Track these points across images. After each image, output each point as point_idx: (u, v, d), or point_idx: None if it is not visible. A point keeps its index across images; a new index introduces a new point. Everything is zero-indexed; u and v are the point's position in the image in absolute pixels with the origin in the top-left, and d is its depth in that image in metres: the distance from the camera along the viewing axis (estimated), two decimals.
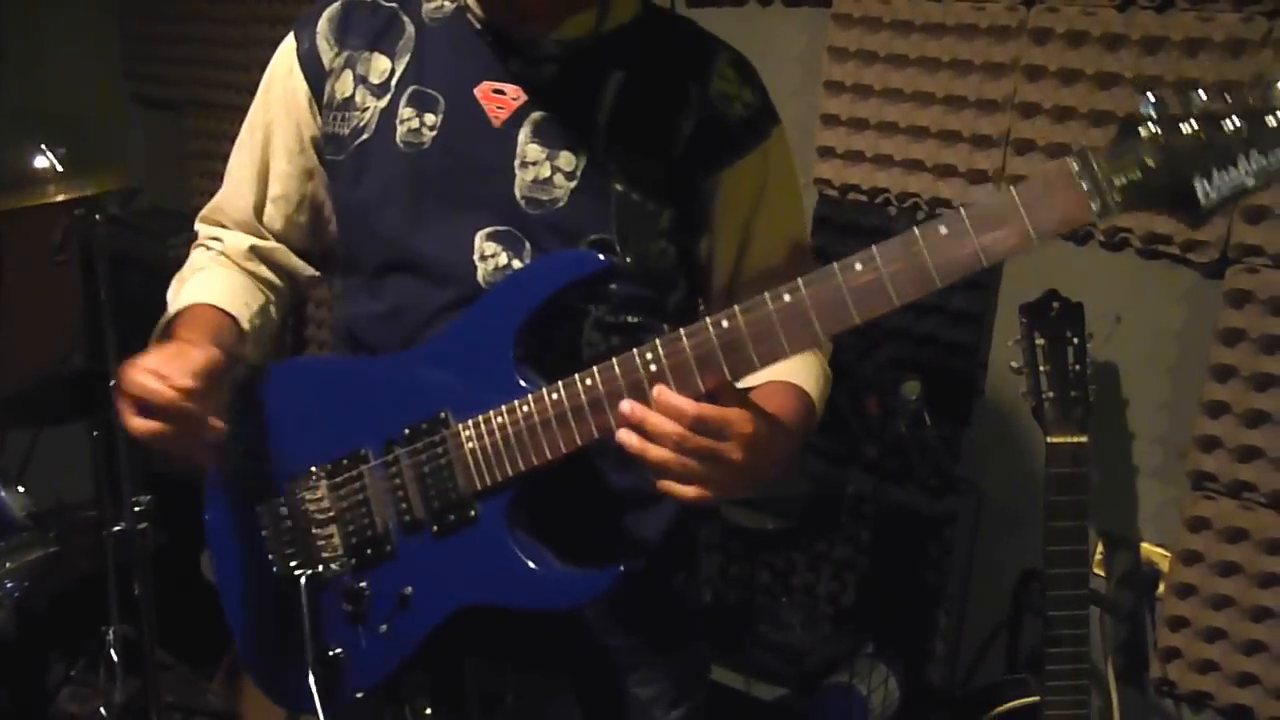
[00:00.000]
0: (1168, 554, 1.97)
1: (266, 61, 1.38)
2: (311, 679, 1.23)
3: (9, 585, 1.96)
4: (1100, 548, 2.01)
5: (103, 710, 2.31)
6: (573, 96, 1.23)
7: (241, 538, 1.33)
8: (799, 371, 1.25)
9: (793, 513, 2.24)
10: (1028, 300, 1.72)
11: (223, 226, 1.41)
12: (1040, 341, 1.70)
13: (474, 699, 1.27)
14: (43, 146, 2.02)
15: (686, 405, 1.03)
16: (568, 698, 1.35)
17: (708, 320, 1.05)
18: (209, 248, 1.41)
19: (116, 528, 2.19)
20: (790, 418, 1.18)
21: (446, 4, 1.28)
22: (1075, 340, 1.70)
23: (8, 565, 1.90)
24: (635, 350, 1.08)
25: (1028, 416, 1.73)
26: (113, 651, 2.31)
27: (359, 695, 1.26)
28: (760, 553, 2.42)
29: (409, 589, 1.22)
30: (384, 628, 1.23)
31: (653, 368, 1.07)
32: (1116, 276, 1.96)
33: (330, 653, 1.26)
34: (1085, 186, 0.94)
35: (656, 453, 1.04)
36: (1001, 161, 2.03)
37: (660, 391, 1.05)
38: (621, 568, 1.14)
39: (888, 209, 2.20)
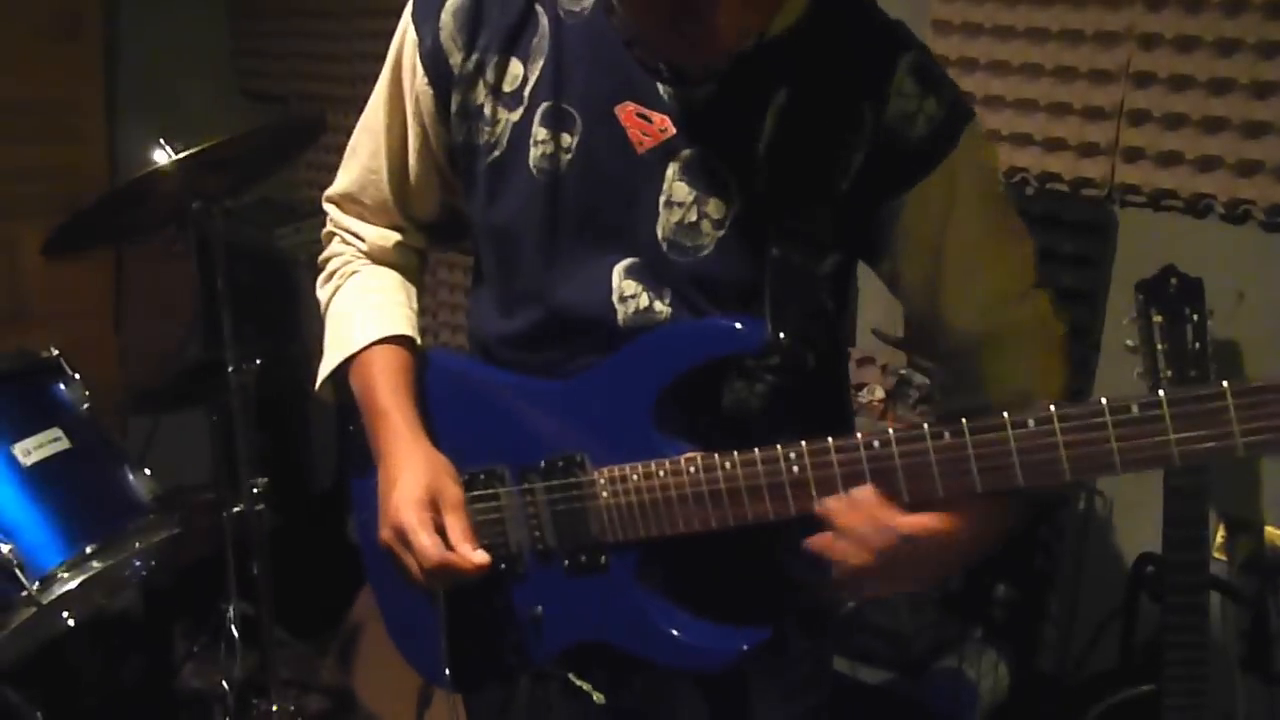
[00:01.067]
0: None
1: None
2: (446, 668, 1.24)
3: (137, 564, 2.04)
4: (1222, 531, 1.94)
5: (224, 684, 2.39)
6: (728, 128, 1.10)
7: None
8: (1006, 377, 1.18)
9: None
10: (1143, 277, 1.67)
11: (355, 211, 1.34)
12: (1158, 319, 1.65)
13: (602, 680, 1.25)
14: (161, 141, 2.09)
15: (901, 523, 1.00)
16: (693, 690, 1.30)
17: (860, 439, 1.02)
18: (349, 242, 1.35)
19: (235, 509, 2.27)
20: (988, 535, 1.10)
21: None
22: (1195, 317, 1.64)
23: (137, 546, 1.97)
24: (780, 448, 1.06)
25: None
26: (233, 628, 2.38)
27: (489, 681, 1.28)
28: None
29: (539, 609, 1.22)
30: (516, 637, 1.24)
31: (795, 470, 1.04)
32: (1239, 250, 1.89)
33: (467, 641, 1.26)
34: None
35: (845, 554, 1.03)
36: (1115, 134, 1.97)
37: (870, 501, 1.01)
38: (745, 647, 1.13)
39: None
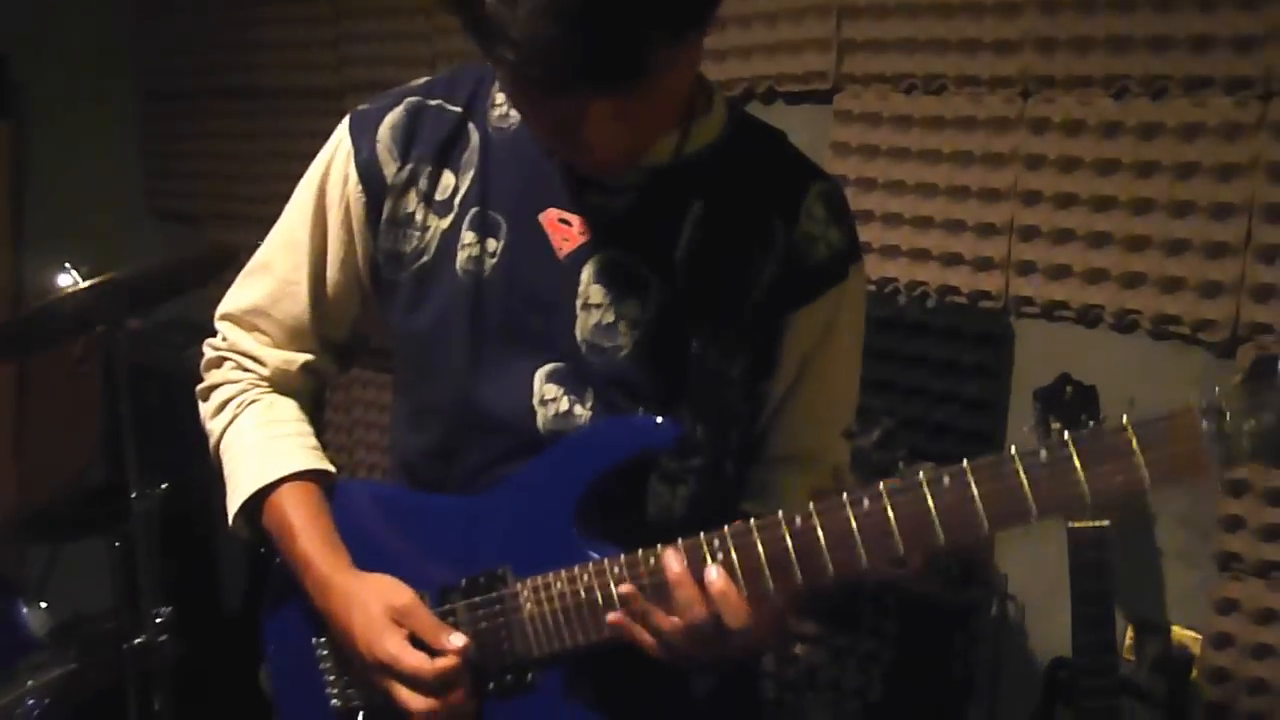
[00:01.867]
0: (1199, 637, 1.93)
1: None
2: None
3: (30, 704, 1.95)
4: (1130, 633, 1.98)
5: None
6: (645, 234, 1.15)
7: (299, 665, 1.29)
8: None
9: (812, 608, 2.21)
10: (1041, 385, 1.73)
11: (260, 332, 1.31)
12: (1056, 426, 1.70)
13: None
14: (66, 265, 2.07)
15: (735, 597, 1.01)
16: None
17: (781, 516, 1.01)
18: (246, 368, 1.31)
19: (137, 640, 2.18)
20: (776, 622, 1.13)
21: (513, 114, 1.18)
22: (1091, 424, 1.69)
23: (29, 684, 1.89)
24: (703, 536, 1.04)
25: None
26: None
27: None
28: (785, 648, 2.39)
29: None
30: None
31: (719, 557, 1.03)
32: (1128, 358, 1.96)
33: None
34: (1207, 430, 0.85)
35: (650, 642, 1.05)
36: (1007, 249, 2.06)
37: (716, 584, 1.02)
38: None
39: (897, 298, 2.22)
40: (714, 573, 1.01)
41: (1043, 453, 0.90)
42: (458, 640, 1.11)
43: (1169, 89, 1.86)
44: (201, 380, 1.35)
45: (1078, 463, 0.89)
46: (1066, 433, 0.90)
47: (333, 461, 1.31)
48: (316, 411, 1.36)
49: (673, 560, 1.04)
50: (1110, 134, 1.92)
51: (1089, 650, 1.68)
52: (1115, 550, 1.68)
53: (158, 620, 2.16)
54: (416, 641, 1.13)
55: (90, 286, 2.03)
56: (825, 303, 1.18)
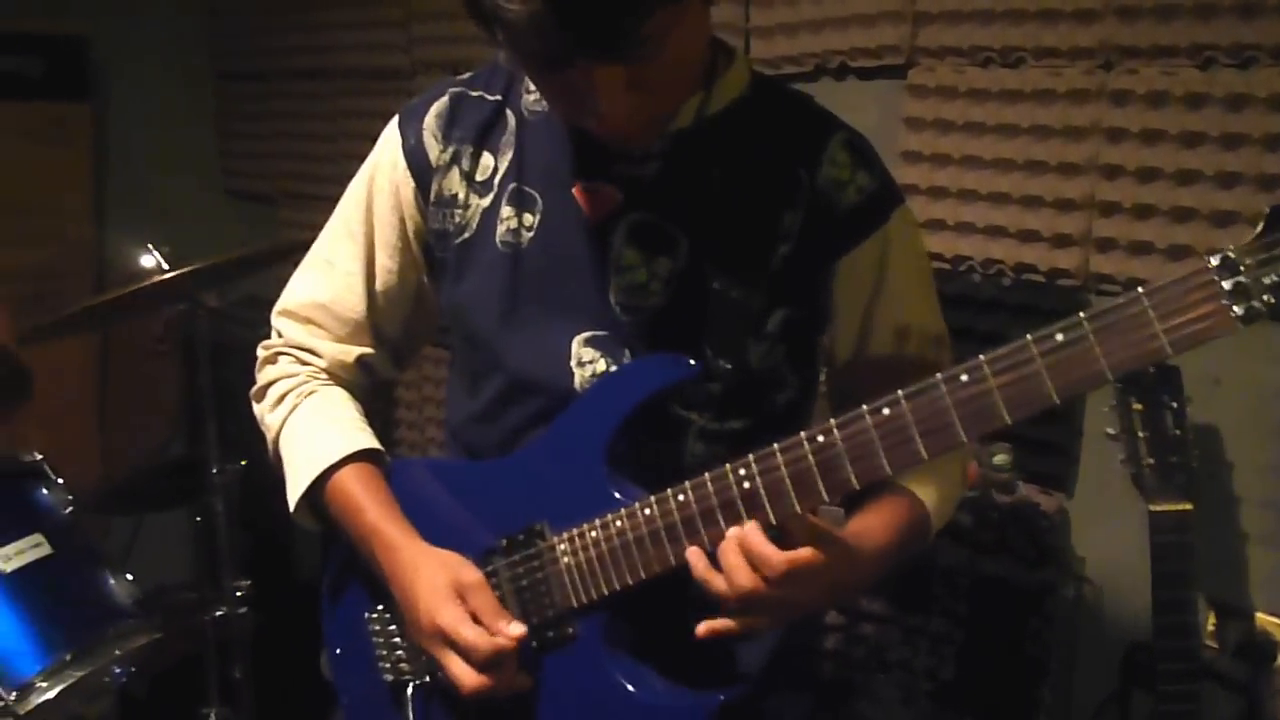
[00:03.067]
0: None
1: (353, 153, 1.37)
2: None
3: (117, 671, 2.01)
4: (1212, 618, 1.94)
5: None
6: (673, 195, 1.18)
7: (354, 642, 1.33)
8: (926, 477, 1.20)
9: (884, 587, 2.20)
10: None
11: (317, 326, 1.35)
12: (1137, 407, 1.66)
13: None
14: (149, 246, 2.12)
15: (775, 559, 1.00)
16: None
17: (804, 435, 1.01)
18: (304, 361, 1.35)
19: (217, 612, 2.24)
20: (882, 544, 1.13)
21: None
22: (1174, 404, 1.66)
23: (116, 652, 1.95)
24: (729, 466, 1.05)
25: (1129, 484, 1.69)
26: None
27: None
28: (855, 627, 2.38)
29: (514, 702, 1.19)
30: None
31: (746, 485, 1.03)
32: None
33: None
34: (1227, 287, 0.83)
35: (723, 589, 1.03)
36: (1086, 225, 2.01)
37: (749, 539, 1.01)
38: (721, 697, 1.10)
39: (972, 276, 2.19)
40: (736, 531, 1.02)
41: (1059, 335, 0.89)
42: (516, 629, 1.13)
43: (1258, 58, 1.79)
44: (255, 381, 1.38)
45: (1094, 340, 0.87)
46: (1081, 312, 0.89)
47: (404, 439, 1.34)
48: (381, 407, 1.40)
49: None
50: (1195, 106, 1.87)
51: (1169, 634, 1.65)
52: (1197, 533, 1.65)
53: (237, 593, 2.22)
54: (476, 620, 1.14)
55: (169, 264, 2.08)
56: (869, 250, 1.19)
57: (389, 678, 1.29)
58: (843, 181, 1.18)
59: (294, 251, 2.55)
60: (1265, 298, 0.82)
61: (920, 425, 0.95)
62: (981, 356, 0.93)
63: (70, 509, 2.06)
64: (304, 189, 3.51)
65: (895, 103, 2.24)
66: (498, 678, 1.13)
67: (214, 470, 2.21)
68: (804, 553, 1.00)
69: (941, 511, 1.25)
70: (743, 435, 1.19)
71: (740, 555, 1.02)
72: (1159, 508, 1.65)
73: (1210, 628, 1.93)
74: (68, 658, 1.88)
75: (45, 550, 1.96)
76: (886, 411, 0.97)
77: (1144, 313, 0.86)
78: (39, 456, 2.09)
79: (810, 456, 1.00)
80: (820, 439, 1.00)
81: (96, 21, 3.40)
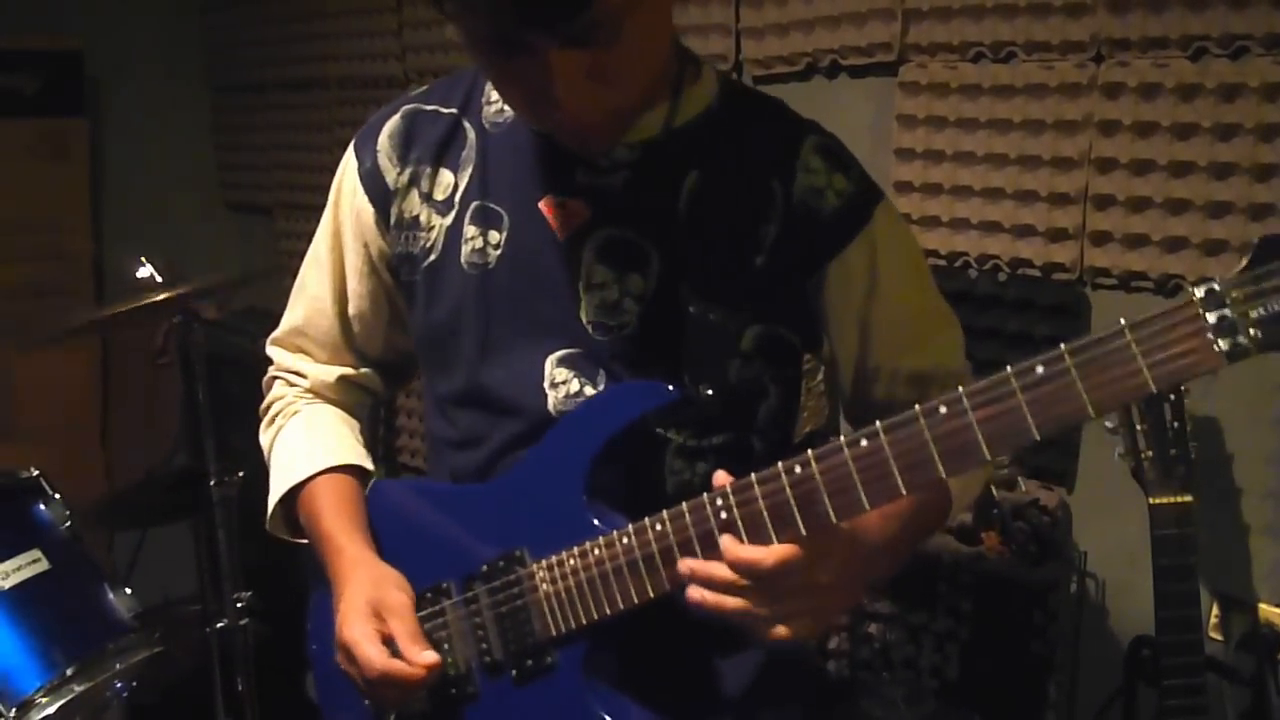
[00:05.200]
0: None
1: None
2: None
3: (118, 685, 2.01)
4: (1216, 610, 1.93)
5: None
6: (642, 209, 1.14)
7: (339, 668, 1.30)
8: None
9: (887, 586, 2.19)
10: None
11: (303, 352, 1.36)
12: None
13: None
14: (142, 259, 2.12)
15: (761, 557, 0.97)
16: None
17: (781, 467, 0.98)
18: (292, 383, 1.37)
19: (220, 624, 2.24)
20: (894, 530, 1.11)
21: (506, 109, 1.19)
22: (1172, 396, 1.65)
23: (117, 666, 1.95)
24: (706, 497, 1.02)
25: (1129, 478, 1.68)
26: None
27: None
28: (859, 627, 2.37)
29: None
30: None
31: (723, 515, 1.01)
32: None
33: None
34: (1212, 320, 0.80)
35: (733, 604, 1.00)
36: (1081, 219, 2.01)
37: (728, 546, 0.99)
38: None
39: (968, 271, 2.18)
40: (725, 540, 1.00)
41: (1039, 368, 0.86)
42: (427, 657, 1.11)
43: (1249, 48, 1.79)
44: (254, 391, 1.41)
45: (1076, 375, 0.85)
46: (1063, 344, 0.86)
47: (406, 466, 1.33)
48: (374, 426, 1.40)
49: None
50: (1188, 97, 1.86)
51: (1173, 628, 1.64)
52: (1198, 526, 1.64)
53: (239, 604, 2.22)
54: (390, 642, 1.13)
55: (165, 277, 2.08)
56: (856, 251, 1.15)
57: (370, 703, 1.26)
58: (819, 188, 1.14)
59: (289, 268, 2.58)
60: (1252, 332, 0.80)
61: (899, 460, 0.93)
62: (961, 389, 0.90)
63: (68, 524, 2.06)
64: (301, 199, 3.52)
65: (887, 100, 2.23)
66: (393, 696, 1.14)
67: (213, 482, 2.21)
68: (788, 548, 0.98)
69: (966, 497, 1.22)
70: (724, 449, 1.17)
71: (728, 570, 1.00)
72: (1159, 501, 1.64)
73: (1214, 620, 1.92)
74: (68, 673, 1.87)
75: (43, 566, 1.96)
76: (865, 444, 0.94)
77: (1127, 347, 0.83)
78: (36, 472, 2.09)
79: (788, 489, 0.98)
80: (798, 471, 0.97)
81: (92, 36, 3.41)
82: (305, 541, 1.31)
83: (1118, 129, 1.94)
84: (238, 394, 2.75)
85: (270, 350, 1.40)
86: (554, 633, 1.13)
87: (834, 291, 1.16)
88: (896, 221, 1.22)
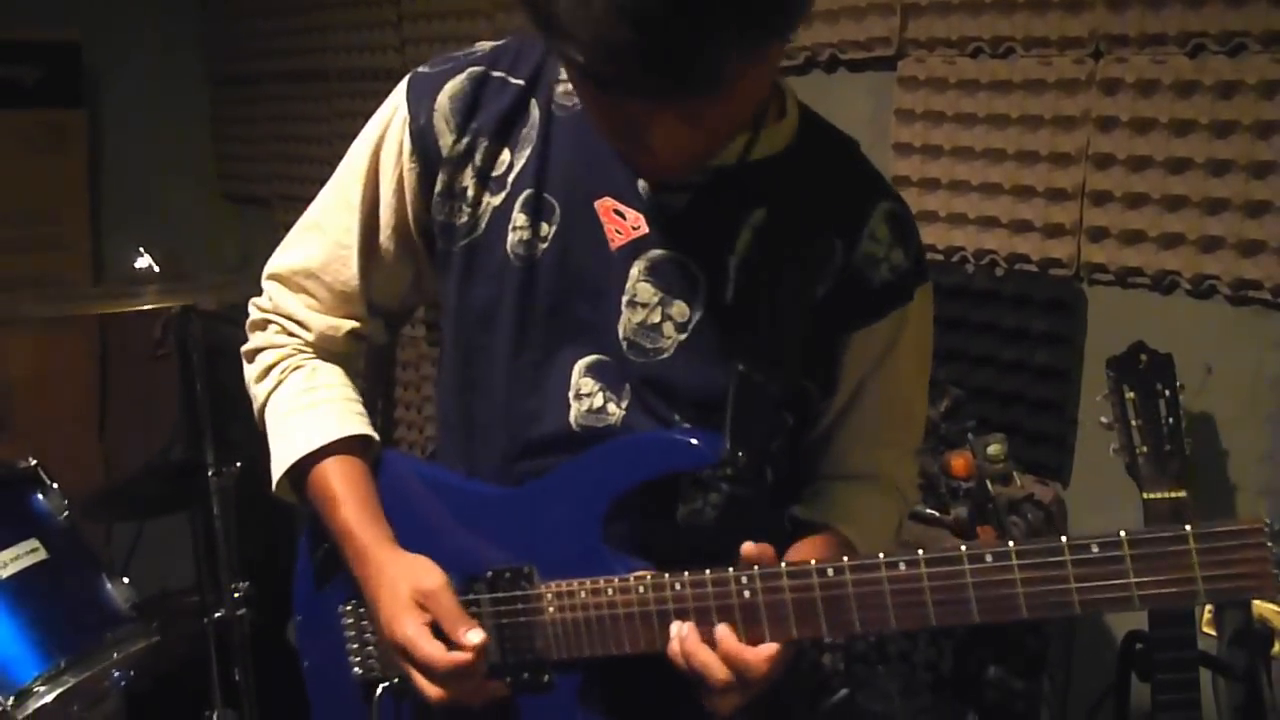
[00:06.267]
0: None
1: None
2: None
3: (115, 675, 2.02)
4: (1209, 607, 1.93)
5: None
6: (700, 236, 1.10)
7: (326, 626, 1.31)
8: (856, 515, 1.21)
9: None
10: (1115, 353, 1.69)
11: (307, 294, 1.27)
12: (1130, 395, 1.66)
13: None
14: (140, 250, 2.12)
15: (753, 660, 1.01)
16: None
17: (813, 565, 0.99)
18: (291, 332, 1.28)
19: (217, 614, 2.25)
20: None
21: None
22: (1167, 393, 1.65)
23: (115, 656, 1.95)
24: (732, 572, 1.03)
25: (1125, 473, 1.69)
26: None
27: None
28: None
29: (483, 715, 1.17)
30: None
31: (746, 595, 1.02)
32: (1205, 325, 1.90)
33: None
34: (1275, 556, 0.80)
35: (700, 677, 1.03)
36: (1078, 214, 2.01)
37: (726, 641, 1.02)
38: None
39: (965, 267, 2.18)
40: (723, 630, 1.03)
41: (1094, 547, 0.87)
42: (475, 636, 1.10)
43: (1247, 45, 1.79)
44: (246, 340, 1.32)
45: (1130, 565, 0.85)
46: (1123, 531, 0.87)
47: (404, 439, 1.32)
48: (376, 374, 1.37)
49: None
50: (1186, 93, 1.86)
51: (1166, 623, 1.65)
52: (1192, 521, 1.64)
53: (236, 594, 2.22)
54: (437, 629, 1.12)
55: (163, 268, 2.08)
56: (886, 325, 1.15)
57: (358, 671, 1.28)
58: (878, 258, 1.13)
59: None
60: None
61: (935, 594, 0.93)
62: (1011, 544, 0.90)
63: (66, 514, 2.06)
64: (300, 191, 3.52)
65: (886, 95, 2.23)
66: (460, 687, 1.12)
67: (210, 473, 2.22)
68: (777, 649, 1.02)
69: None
70: (738, 478, 1.14)
71: (715, 659, 1.03)
72: (1153, 496, 1.64)
73: (1208, 616, 1.93)
74: (64, 663, 1.88)
75: (41, 555, 1.96)
76: (903, 569, 0.95)
77: (1188, 554, 0.83)
78: (33, 462, 2.10)
79: (817, 590, 0.99)
80: (830, 574, 0.98)
81: (90, 29, 3.41)
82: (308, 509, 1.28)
83: (1115, 125, 1.94)
84: (236, 386, 2.76)
85: (269, 284, 1.30)
86: (555, 656, 1.13)
87: (853, 354, 1.17)
88: (929, 304, 1.21)
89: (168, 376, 3.18)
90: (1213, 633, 1.93)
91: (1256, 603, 1.91)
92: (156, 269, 2.09)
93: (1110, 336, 1.86)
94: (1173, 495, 1.64)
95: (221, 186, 3.90)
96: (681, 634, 1.04)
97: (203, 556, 2.47)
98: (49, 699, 1.84)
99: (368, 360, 1.44)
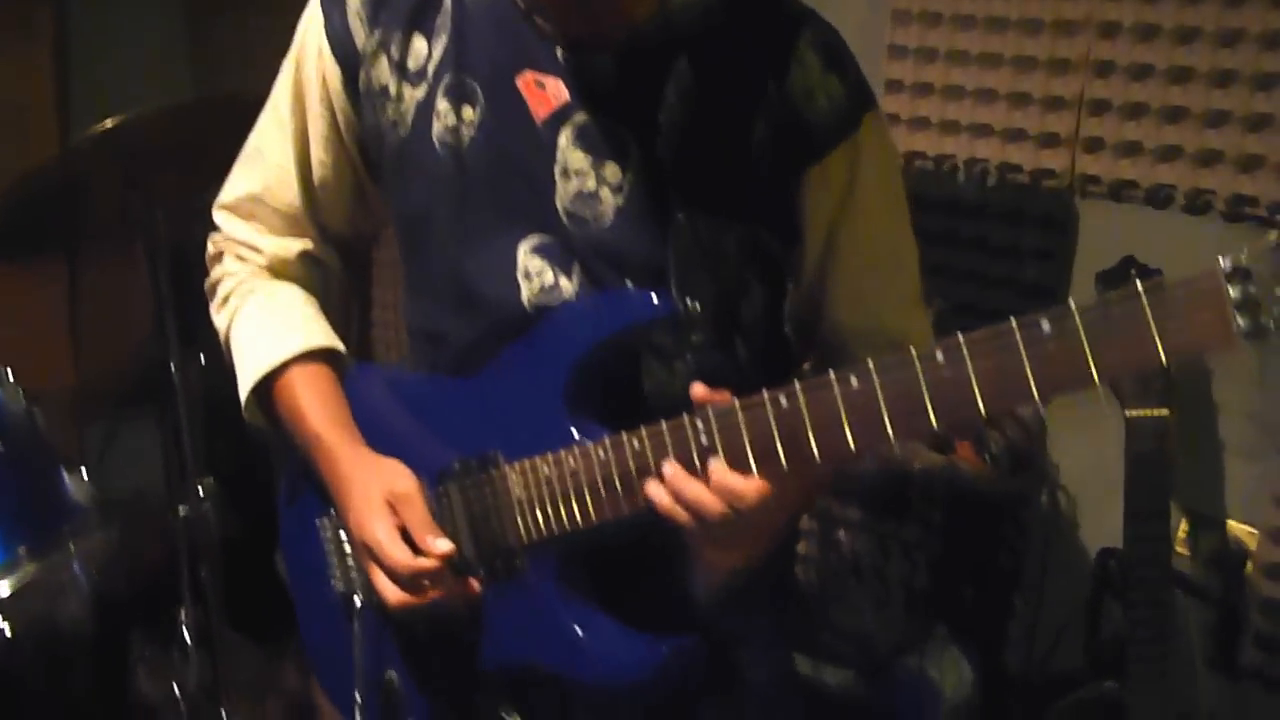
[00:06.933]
0: (1256, 532, 1.87)
1: None
2: (358, 699, 1.19)
3: (76, 569, 1.99)
4: (1184, 526, 1.92)
5: (176, 690, 2.34)
6: (625, 96, 1.07)
7: (308, 545, 1.29)
8: None
9: (858, 493, 2.18)
10: (1104, 268, 1.64)
11: (257, 220, 1.28)
12: None
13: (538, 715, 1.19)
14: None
15: (745, 490, 0.95)
16: None
17: (765, 395, 0.94)
18: (244, 258, 1.29)
19: (182, 511, 2.21)
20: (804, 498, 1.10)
21: None
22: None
23: (71, 548, 1.92)
24: (686, 416, 0.98)
25: (1106, 390, 1.65)
26: (185, 634, 2.33)
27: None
28: (829, 533, 2.37)
29: (458, 626, 1.16)
30: (438, 662, 1.18)
31: (704, 439, 0.97)
32: (1199, 241, 1.86)
33: (386, 677, 1.22)
34: (1234, 296, 0.74)
35: (687, 521, 0.98)
36: (1075, 124, 1.95)
37: (718, 471, 0.96)
38: (665, 649, 1.05)
39: (955, 175, 2.13)
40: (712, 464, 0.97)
41: (1045, 323, 0.80)
42: (442, 545, 1.09)
43: None
44: (208, 275, 1.33)
45: (1084, 336, 0.79)
46: (1072, 301, 0.80)
47: (382, 359, 1.28)
48: (346, 316, 1.35)
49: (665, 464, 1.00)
50: (1191, 0, 1.79)
51: (1141, 542, 1.63)
52: (1175, 441, 1.62)
53: (199, 492, 2.19)
54: (406, 535, 1.11)
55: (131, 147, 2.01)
56: (838, 158, 1.09)
57: (339, 586, 1.26)
58: (811, 88, 1.07)
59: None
60: (1276, 312, 0.73)
61: (891, 404, 0.87)
62: (960, 336, 0.84)
63: (23, 407, 2.01)
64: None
65: None
66: (420, 594, 1.10)
67: (173, 369, 2.17)
68: (767, 485, 0.95)
69: None
70: (705, 348, 1.12)
71: (708, 492, 0.97)
72: (1135, 413, 1.62)
73: (1181, 535, 1.92)
74: (22, 551, 1.84)
75: None
76: (855, 383, 0.89)
77: (1141, 311, 0.77)
78: None
79: (772, 420, 0.93)
80: (783, 402, 0.92)
81: None
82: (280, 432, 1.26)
83: (1118, 31, 1.88)
84: (200, 283, 2.71)
85: (219, 216, 1.32)
86: (525, 538, 1.10)
87: (809, 196, 1.11)
88: (883, 133, 1.15)
89: (138, 283, 3.12)
90: (1186, 553, 1.92)
91: (1230, 523, 1.90)
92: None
93: (1101, 253, 1.81)
94: (1155, 414, 1.61)
95: (196, 83, 3.79)
96: (668, 474, 0.99)
97: (171, 453, 2.44)
98: (6, 591, 1.82)
99: (343, 284, 1.41)
